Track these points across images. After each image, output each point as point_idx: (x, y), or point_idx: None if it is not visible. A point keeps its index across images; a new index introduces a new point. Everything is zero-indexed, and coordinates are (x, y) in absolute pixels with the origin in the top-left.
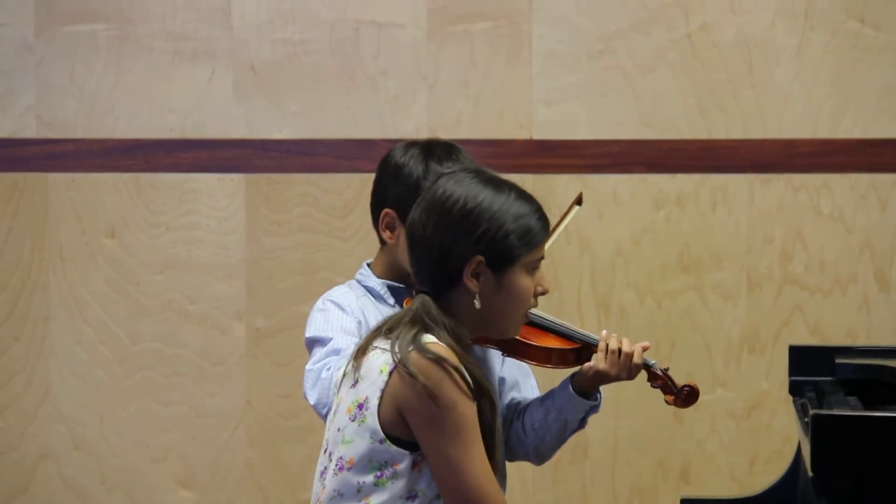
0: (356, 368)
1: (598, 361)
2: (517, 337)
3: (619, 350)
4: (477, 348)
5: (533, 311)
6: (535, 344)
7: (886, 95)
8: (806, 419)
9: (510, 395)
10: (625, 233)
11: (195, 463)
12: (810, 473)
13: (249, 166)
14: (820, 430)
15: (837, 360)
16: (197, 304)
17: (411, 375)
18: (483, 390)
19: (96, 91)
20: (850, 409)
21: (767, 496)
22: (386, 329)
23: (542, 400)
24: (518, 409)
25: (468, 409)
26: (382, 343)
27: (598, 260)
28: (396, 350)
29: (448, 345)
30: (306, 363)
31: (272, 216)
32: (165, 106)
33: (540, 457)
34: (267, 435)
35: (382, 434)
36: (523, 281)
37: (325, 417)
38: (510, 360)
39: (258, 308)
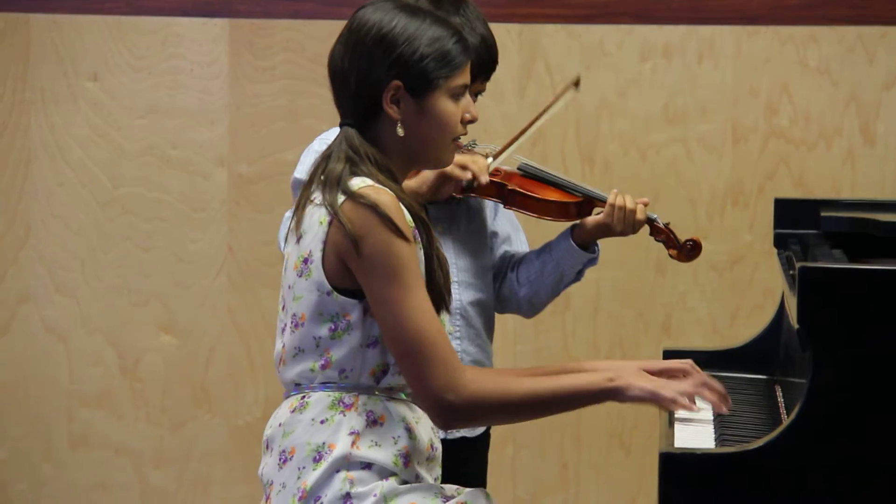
0: (298, 224)
1: (603, 215)
2: (518, 188)
3: (624, 207)
4: (472, 199)
5: (533, 163)
6: (536, 196)
7: None
8: (791, 272)
9: (503, 248)
10: (610, 84)
11: (176, 308)
12: (795, 326)
13: (233, 11)
14: (806, 283)
15: (822, 213)
16: (179, 148)
17: (344, 224)
18: (423, 224)
19: None
20: (835, 262)
21: (749, 349)
22: (318, 178)
23: (538, 252)
24: (512, 262)
25: (403, 250)
26: (318, 195)
27: (582, 112)
28: (328, 199)
29: (379, 181)
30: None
31: (256, 62)
32: None
33: (533, 308)
34: (248, 281)
35: (329, 286)
36: (446, 106)
37: None
38: (502, 215)
39: (241, 154)
